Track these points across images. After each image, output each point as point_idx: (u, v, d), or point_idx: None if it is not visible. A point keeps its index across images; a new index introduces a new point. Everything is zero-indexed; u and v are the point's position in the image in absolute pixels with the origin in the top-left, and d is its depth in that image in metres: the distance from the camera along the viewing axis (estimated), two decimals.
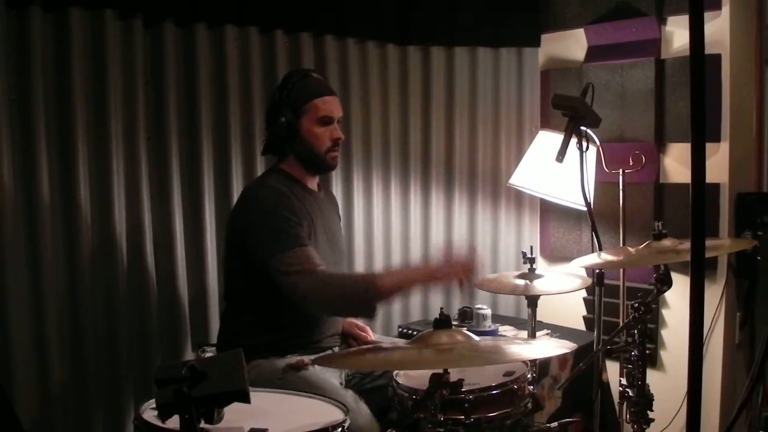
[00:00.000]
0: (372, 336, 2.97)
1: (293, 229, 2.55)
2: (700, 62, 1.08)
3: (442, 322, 1.95)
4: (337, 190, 3.42)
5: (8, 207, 2.60)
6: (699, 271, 1.11)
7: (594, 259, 2.74)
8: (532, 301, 2.82)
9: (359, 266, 3.57)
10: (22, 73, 2.64)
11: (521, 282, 2.83)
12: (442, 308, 2.04)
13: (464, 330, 2.02)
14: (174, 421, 1.53)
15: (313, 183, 2.84)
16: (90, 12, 2.78)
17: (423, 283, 2.61)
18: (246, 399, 1.52)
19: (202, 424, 1.53)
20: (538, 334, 3.10)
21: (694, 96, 1.08)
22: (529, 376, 2.33)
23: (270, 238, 2.55)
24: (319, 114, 2.71)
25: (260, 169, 3.22)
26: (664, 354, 3.59)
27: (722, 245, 2.98)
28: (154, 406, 1.74)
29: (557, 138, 2.81)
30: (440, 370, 1.87)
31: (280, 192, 2.63)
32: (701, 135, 1.08)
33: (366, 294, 2.46)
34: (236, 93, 3.17)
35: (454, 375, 1.89)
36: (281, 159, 2.79)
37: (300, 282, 2.48)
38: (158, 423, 1.67)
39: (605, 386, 2.95)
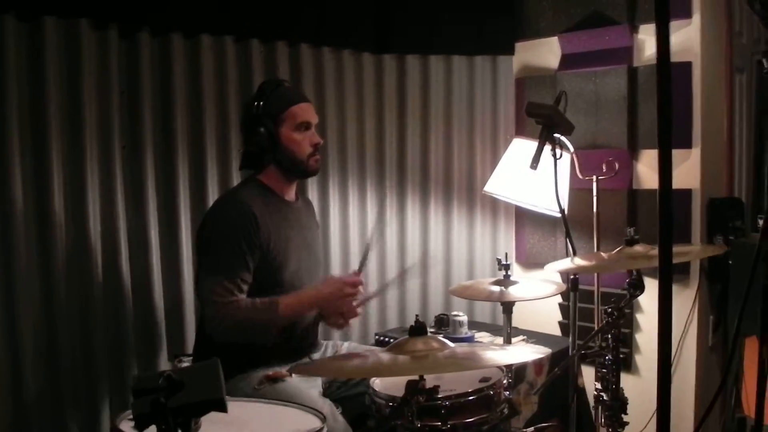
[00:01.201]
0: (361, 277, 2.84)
1: (235, 257, 2.60)
2: (667, 72, 1.10)
3: (418, 329, 1.97)
4: (313, 197, 3.42)
5: None
6: (667, 278, 1.13)
7: (568, 264, 2.76)
8: (507, 307, 2.84)
9: (336, 271, 3.58)
10: None
11: (496, 288, 2.85)
12: (417, 315, 2.06)
13: (440, 337, 2.04)
14: None
15: (290, 193, 2.85)
16: (65, 21, 2.76)
17: (315, 307, 2.75)
18: (223, 408, 1.52)
19: None
20: (513, 340, 3.12)
21: (661, 104, 1.10)
22: (505, 381, 2.36)
23: (211, 259, 2.64)
24: (297, 120, 2.73)
25: (235, 177, 3.22)
26: (638, 358, 3.63)
27: (693, 251, 3.02)
28: (131, 416, 1.74)
29: (532, 145, 2.84)
30: (416, 377, 1.88)
31: (245, 212, 2.63)
32: (668, 143, 1.11)
33: (269, 320, 2.60)
34: (212, 102, 3.17)
35: (430, 381, 1.91)
36: (258, 170, 2.80)
37: (211, 314, 2.56)
38: None
39: (581, 391, 2.97)
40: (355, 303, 2.76)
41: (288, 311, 2.62)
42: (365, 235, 3.74)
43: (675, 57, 3.36)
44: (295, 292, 2.71)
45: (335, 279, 2.84)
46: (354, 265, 3.64)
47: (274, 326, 2.61)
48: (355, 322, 3.62)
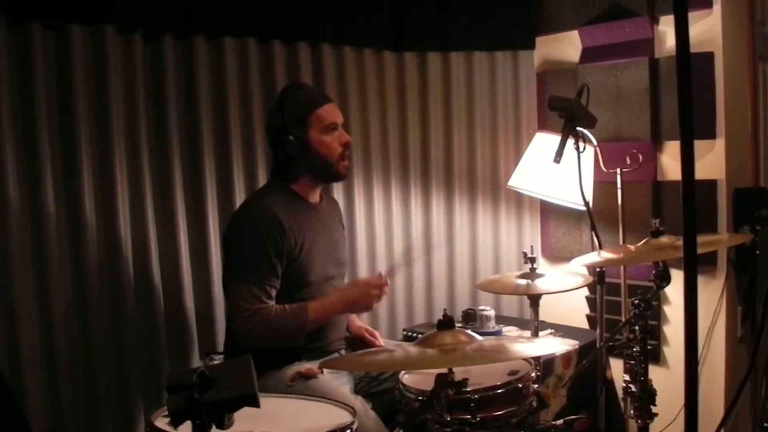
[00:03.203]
0: (381, 342, 3.00)
1: (262, 263, 2.63)
2: (687, 63, 1.11)
3: (446, 323, 1.99)
4: (338, 197, 3.44)
5: (15, 222, 2.64)
6: (692, 267, 1.14)
7: (594, 257, 2.77)
8: (534, 300, 2.85)
9: (362, 272, 3.60)
10: (24, 91, 2.67)
11: (523, 282, 2.86)
12: (445, 309, 2.08)
13: (468, 331, 2.06)
14: (185, 428, 1.56)
15: (315, 195, 2.88)
16: (90, 28, 2.81)
17: (344, 311, 2.82)
18: (256, 403, 1.55)
19: (214, 430, 1.56)
20: (541, 333, 3.13)
21: (681, 95, 1.11)
22: (533, 374, 2.36)
23: (238, 264, 2.67)
24: (325, 123, 2.75)
25: (261, 178, 3.26)
26: (666, 350, 3.62)
27: (720, 240, 3.01)
28: (165, 413, 1.77)
29: (554, 139, 2.85)
30: (445, 370, 1.90)
31: (270, 217, 2.65)
32: (689, 134, 1.12)
33: (299, 326, 2.62)
34: (236, 103, 3.21)
35: (458, 375, 1.92)
36: (287, 175, 2.82)
37: (240, 320, 2.59)
38: (170, 430, 1.70)
39: (609, 383, 2.98)
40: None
41: (316, 315, 2.66)
42: (391, 233, 3.76)
43: (697, 47, 3.38)
44: (321, 297, 2.74)
45: (360, 281, 2.87)
46: (380, 264, 3.68)
47: (303, 332, 2.63)
48: (383, 318, 3.66)
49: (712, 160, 3.43)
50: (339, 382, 2.66)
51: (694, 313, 1.15)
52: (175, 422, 1.56)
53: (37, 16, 2.67)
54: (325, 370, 2.61)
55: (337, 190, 3.50)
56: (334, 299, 2.74)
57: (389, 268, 2.90)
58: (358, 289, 2.77)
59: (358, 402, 2.49)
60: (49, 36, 2.73)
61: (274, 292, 2.64)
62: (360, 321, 3.13)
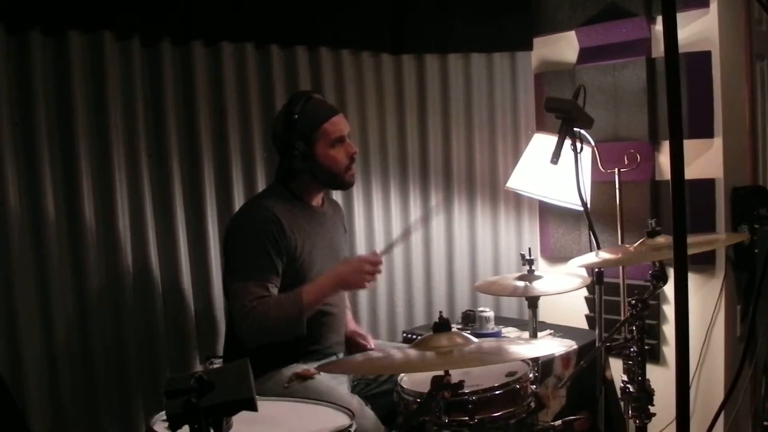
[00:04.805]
0: (372, 344, 3.01)
1: (262, 261, 2.63)
2: (675, 63, 1.12)
3: (442, 325, 2.00)
4: (337, 199, 3.45)
5: (15, 227, 2.66)
6: (682, 266, 1.15)
7: (592, 258, 2.78)
8: (533, 302, 2.85)
9: None
10: (24, 97, 2.69)
11: (521, 284, 2.87)
12: (441, 312, 2.09)
13: (466, 333, 2.07)
14: None
15: (317, 198, 2.89)
16: (88, 34, 2.83)
17: (336, 288, 2.77)
18: (253, 407, 1.56)
19: None
20: (540, 334, 3.14)
21: (670, 95, 1.12)
22: (531, 375, 2.37)
23: (238, 263, 2.67)
24: (331, 138, 2.75)
25: (260, 182, 3.27)
26: (666, 349, 3.62)
27: (718, 239, 3.01)
28: (164, 417, 1.79)
29: (552, 140, 2.86)
30: (441, 372, 1.91)
31: (269, 218, 2.66)
32: (679, 134, 1.13)
33: (297, 313, 2.60)
34: (234, 107, 3.22)
35: (456, 377, 1.93)
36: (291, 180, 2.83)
37: (240, 317, 2.59)
38: None
39: (609, 383, 2.98)
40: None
41: (311, 297, 2.63)
42: (390, 235, 3.77)
43: (693, 46, 3.39)
44: (313, 280, 2.72)
45: (353, 258, 2.87)
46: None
47: (302, 317, 2.61)
48: (382, 320, 3.67)
49: (710, 159, 3.43)
50: (336, 382, 2.66)
51: (685, 310, 1.17)
52: (174, 427, 1.57)
53: (36, 23, 2.69)
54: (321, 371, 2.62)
55: (336, 193, 3.50)
56: (326, 276, 2.73)
57: (386, 246, 2.91)
58: (350, 265, 2.76)
59: (355, 401, 2.50)
60: (47, 42, 2.75)
61: (275, 290, 2.64)
62: (354, 324, 3.14)
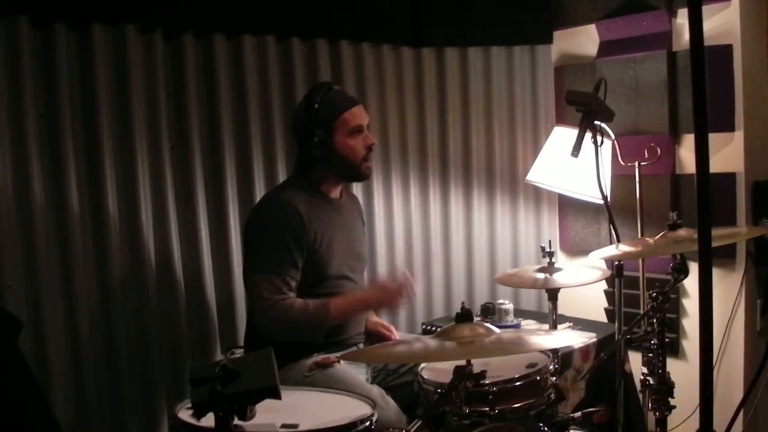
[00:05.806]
0: (397, 335, 3.03)
1: (282, 254, 2.65)
2: (701, 56, 1.12)
3: (464, 315, 2.01)
4: (357, 193, 3.46)
5: (39, 218, 2.69)
6: (707, 261, 1.16)
7: (612, 250, 2.77)
8: (552, 294, 2.86)
9: (382, 267, 3.64)
10: (48, 90, 2.72)
11: (541, 276, 2.87)
12: (463, 303, 2.09)
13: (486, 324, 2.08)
14: (208, 420, 1.59)
15: (336, 191, 2.90)
16: (112, 28, 2.86)
17: (367, 309, 2.88)
18: (277, 395, 1.58)
19: (236, 421, 1.59)
20: (560, 326, 3.14)
21: (695, 89, 1.13)
22: (551, 367, 2.37)
23: (258, 255, 2.69)
24: (350, 126, 2.76)
25: (281, 174, 3.29)
26: (685, 343, 3.62)
27: (738, 233, 3.00)
28: (188, 405, 1.81)
29: (573, 133, 2.85)
30: (463, 362, 1.92)
31: (289, 210, 2.68)
32: (704, 127, 1.13)
33: (320, 323, 2.64)
34: (255, 100, 3.24)
35: (477, 367, 1.94)
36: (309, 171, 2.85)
37: (261, 310, 2.61)
38: (193, 421, 1.74)
39: (628, 376, 2.98)
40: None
41: (338, 314, 2.68)
42: (410, 229, 3.78)
43: (715, 40, 3.37)
44: (344, 295, 2.76)
45: (383, 282, 2.87)
46: (399, 259, 3.71)
47: (323, 328, 2.66)
48: (402, 313, 3.69)
49: (730, 153, 3.42)
50: (356, 372, 2.69)
51: (709, 302, 1.17)
52: (198, 414, 1.60)
53: (60, 17, 2.72)
54: (342, 360, 2.64)
55: (357, 186, 3.51)
56: (358, 299, 2.77)
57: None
58: (380, 289, 2.78)
59: (375, 390, 2.52)
60: (71, 36, 2.78)
61: (294, 284, 2.66)
62: (376, 316, 3.16)
